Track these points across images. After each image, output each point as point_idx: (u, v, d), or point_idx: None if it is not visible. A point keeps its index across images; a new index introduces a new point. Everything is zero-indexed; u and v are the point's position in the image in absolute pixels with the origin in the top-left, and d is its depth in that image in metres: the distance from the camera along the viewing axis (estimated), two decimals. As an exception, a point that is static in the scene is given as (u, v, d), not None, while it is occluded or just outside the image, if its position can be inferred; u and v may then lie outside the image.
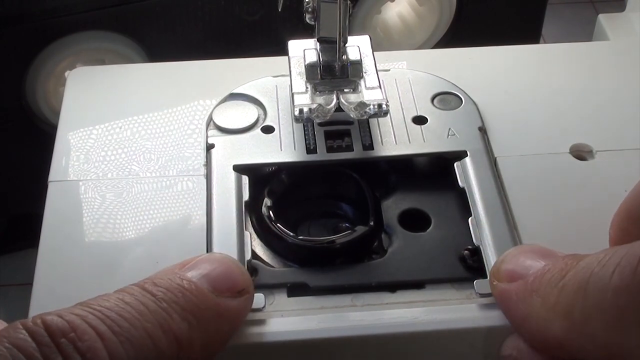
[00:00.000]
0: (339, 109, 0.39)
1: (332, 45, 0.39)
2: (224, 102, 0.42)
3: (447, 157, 0.39)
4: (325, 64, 0.40)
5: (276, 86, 0.43)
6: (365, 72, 0.40)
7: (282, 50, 0.42)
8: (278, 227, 0.37)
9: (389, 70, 0.44)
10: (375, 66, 0.40)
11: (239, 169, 0.38)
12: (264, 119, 0.41)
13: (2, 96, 0.56)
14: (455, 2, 0.63)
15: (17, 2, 0.53)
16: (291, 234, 0.36)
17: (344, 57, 0.39)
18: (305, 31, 0.42)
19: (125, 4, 0.55)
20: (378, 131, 0.40)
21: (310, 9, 0.39)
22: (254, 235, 0.37)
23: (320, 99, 0.39)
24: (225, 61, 0.46)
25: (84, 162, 0.39)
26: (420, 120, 0.41)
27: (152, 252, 0.35)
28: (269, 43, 0.59)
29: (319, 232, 0.38)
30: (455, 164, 0.39)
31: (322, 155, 0.39)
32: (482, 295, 0.33)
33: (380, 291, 0.34)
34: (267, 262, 0.36)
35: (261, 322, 0.33)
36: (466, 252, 0.35)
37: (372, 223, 0.37)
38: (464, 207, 0.37)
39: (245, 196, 0.37)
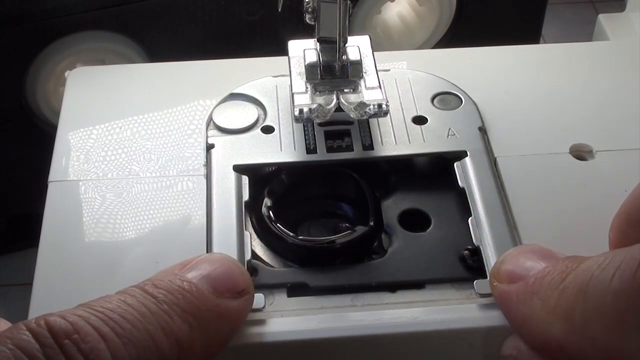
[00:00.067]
0: (339, 109, 0.39)
1: (332, 45, 0.39)
2: (224, 102, 0.42)
3: (447, 157, 0.39)
4: (325, 64, 0.40)
5: (276, 86, 0.43)
6: (365, 72, 0.40)
7: (282, 50, 0.42)
8: (278, 227, 0.37)
9: (389, 70, 0.44)
10: (375, 66, 0.40)
11: (239, 169, 0.38)
12: (264, 119, 0.41)
13: (2, 96, 0.56)
14: (455, 2, 0.63)
15: (17, 2, 0.53)
16: (291, 234, 0.36)
17: (344, 57, 0.39)
18: (305, 31, 0.42)
19: (125, 4, 0.55)
20: (378, 131, 0.40)
21: (310, 9, 0.39)
22: (254, 235, 0.37)
23: (320, 99, 0.39)
24: (225, 61, 0.46)
25: (84, 162, 0.39)
26: (420, 120, 0.41)
27: (152, 252, 0.35)
28: (269, 43, 0.59)
29: (319, 232, 0.38)
30: (455, 164, 0.39)
31: (322, 155, 0.39)
32: (482, 296, 0.33)
33: (380, 291, 0.34)
34: (267, 262, 0.36)
35: (261, 322, 0.33)
36: (466, 252, 0.35)
37: (372, 223, 0.37)
38: (464, 207, 0.37)
39: (245, 196, 0.37)
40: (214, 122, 0.41)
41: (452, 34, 0.64)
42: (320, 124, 0.40)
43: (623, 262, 0.27)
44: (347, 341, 0.32)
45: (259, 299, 0.33)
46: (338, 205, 0.40)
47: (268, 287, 0.34)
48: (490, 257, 0.34)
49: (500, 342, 0.32)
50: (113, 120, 0.41)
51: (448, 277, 0.35)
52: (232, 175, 0.38)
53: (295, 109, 0.38)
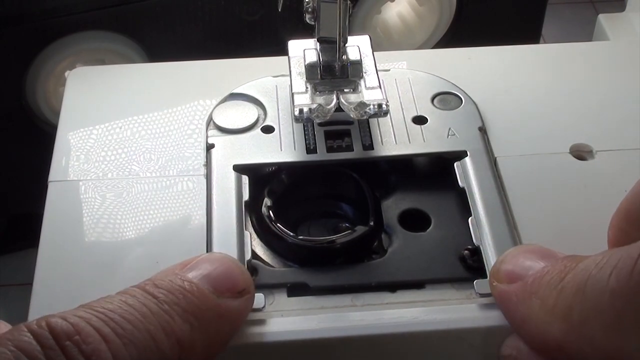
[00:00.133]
0: (339, 109, 0.39)
1: (332, 45, 0.39)
2: (224, 102, 0.42)
3: (447, 157, 0.39)
4: (325, 64, 0.40)
5: (276, 86, 0.43)
6: (365, 72, 0.40)
7: (282, 50, 0.42)
8: (278, 227, 0.37)
9: (389, 70, 0.44)
10: (375, 66, 0.40)
11: (239, 169, 0.38)
12: (264, 119, 0.41)
13: (2, 96, 0.56)
14: (455, 2, 0.63)
15: (17, 2, 0.53)
16: (291, 234, 0.36)
17: (344, 57, 0.39)
18: (305, 31, 0.42)
19: (125, 4, 0.55)
20: (378, 131, 0.40)
21: (310, 9, 0.39)
22: (254, 235, 0.37)
23: (320, 99, 0.39)
24: (225, 61, 0.46)
25: (84, 162, 0.39)
26: (420, 120, 0.41)
27: (152, 252, 0.35)
28: (269, 43, 0.59)
29: (319, 232, 0.38)
30: (455, 164, 0.39)
31: (322, 155, 0.39)
32: (482, 295, 0.33)
33: (380, 291, 0.34)
34: (267, 262, 0.36)
35: (261, 322, 0.33)
36: (466, 252, 0.35)
37: (372, 223, 0.37)
38: (464, 207, 0.37)
39: (245, 196, 0.37)
40: (214, 122, 0.41)
41: (452, 34, 0.64)
42: (320, 124, 0.40)
43: (620, 261, 0.27)
44: (347, 341, 0.32)
45: (259, 298, 0.33)
46: (338, 205, 0.40)
47: (268, 287, 0.34)
48: (490, 257, 0.34)
49: (500, 342, 0.32)
50: (113, 120, 0.41)
51: (448, 277, 0.35)
52: (232, 175, 0.38)
53: (295, 109, 0.38)
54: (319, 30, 0.39)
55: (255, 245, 0.37)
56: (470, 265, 0.35)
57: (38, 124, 0.58)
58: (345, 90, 0.39)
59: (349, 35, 0.39)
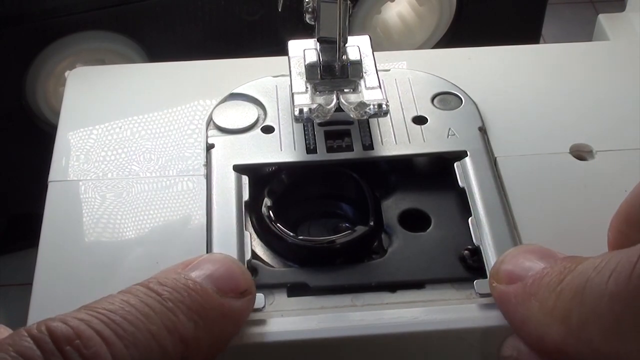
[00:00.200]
0: (339, 109, 0.39)
1: (332, 45, 0.39)
2: (224, 102, 0.42)
3: (447, 157, 0.39)
4: (325, 64, 0.40)
5: (276, 86, 0.43)
6: (365, 72, 0.40)
7: (282, 50, 0.42)
8: (278, 227, 0.37)
9: (389, 70, 0.44)
10: (375, 66, 0.40)
11: (239, 169, 0.38)
12: (264, 119, 0.41)
13: (2, 96, 0.56)
14: (455, 2, 0.63)
15: (17, 2, 0.53)
16: (291, 234, 0.36)
17: (344, 57, 0.39)
18: (305, 31, 0.42)
19: (125, 4, 0.55)
20: (378, 131, 0.40)
21: (310, 9, 0.39)
22: (254, 235, 0.37)
23: (320, 99, 0.39)
24: (225, 61, 0.46)
25: (84, 162, 0.39)
26: (420, 120, 0.41)
27: (152, 252, 0.35)
28: (269, 43, 0.59)
29: (319, 232, 0.38)
30: (455, 164, 0.39)
31: (322, 155, 0.39)
32: (482, 295, 0.33)
33: (380, 291, 0.34)
34: (267, 262, 0.36)
35: (261, 322, 0.33)
36: (466, 252, 0.35)
37: (372, 223, 0.37)
38: (464, 207, 0.37)
39: (245, 196, 0.37)
40: (214, 122, 0.41)
41: (452, 34, 0.64)
42: (320, 124, 0.40)
43: (619, 264, 0.27)
44: (347, 341, 0.32)
45: (259, 298, 0.33)
46: (338, 205, 0.40)
47: (268, 287, 0.34)
48: (490, 257, 0.34)
49: (500, 342, 0.32)
50: (113, 120, 0.41)
51: (448, 277, 0.35)
52: (232, 175, 0.38)
53: (295, 109, 0.38)
54: (319, 30, 0.39)
55: (255, 245, 0.37)
56: (470, 265, 0.35)
57: (38, 124, 0.58)
58: (345, 90, 0.39)
59: (349, 35, 0.39)
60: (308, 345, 0.32)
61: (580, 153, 0.40)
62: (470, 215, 0.36)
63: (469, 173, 0.38)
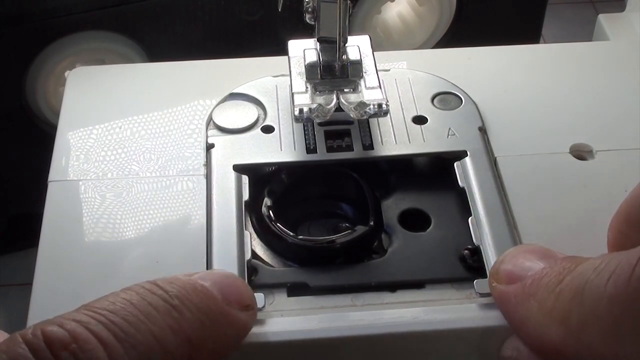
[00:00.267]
0: (339, 108, 0.39)
1: (332, 45, 0.39)
2: (224, 102, 0.42)
3: (447, 157, 0.39)
4: (325, 64, 0.40)
5: (276, 86, 0.43)
6: (365, 72, 0.40)
7: (282, 50, 0.42)
8: (278, 227, 0.37)
9: (389, 70, 0.44)
10: (375, 66, 0.40)
11: (239, 169, 0.38)
12: (264, 119, 0.41)
13: (2, 96, 0.56)
14: (455, 2, 0.63)
15: (17, 2, 0.53)
16: (291, 233, 0.36)
17: (344, 57, 0.39)
18: (305, 31, 0.42)
19: (125, 4, 0.55)
20: (378, 131, 0.40)
21: (310, 9, 0.39)
22: (254, 235, 0.37)
23: (320, 99, 0.39)
24: (225, 61, 0.46)
25: (84, 162, 0.39)
26: (420, 120, 0.41)
27: (152, 252, 0.35)
28: (269, 43, 0.59)
29: (319, 232, 0.38)
30: (455, 164, 0.39)
31: (322, 155, 0.39)
32: (482, 295, 0.33)
33: (380, 291, 0.34)
34: (267, 262, 0.36)
35: (261, 322, 0.33)
36: (466, 252, 0.35)
37: (372, 223, 0.37)
38: (464, 207, 0.37)
39: (245, 196, 0.37)
40: (214, 122, 0.41)
41: (452, 34, 0.64)
42: (320, 124, 0.40)
43: (618, 266, 0.27)
44: (347, 341, 0.32)
45: (259, 298, 0.33)
46: (338, 205, 0.40)
47: (268, 287, 0.34)
48: (490, 257, 0.34)
49: (500, 342, 0.32)
50: (113, 120, 0.41)
51: (448, 277, 0.35)
52: (232, 175, 0.38)
53: (295, 109, 0.38)
54: (319, 30, 0.39)
55: (255, 245, 0.37)
56: (470, 265, 0.35)
57: (38, 124, 0.58)
58: (345, 90, 0.39)
59: (349, 35, 0.39)
60: (308, 345, 0.32)
61: (580, 153, 0.40)
62: (470, 215, 0.36)
63: (469, 173, 0.38)
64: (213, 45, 0.58)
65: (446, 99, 0.42)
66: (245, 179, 0.38)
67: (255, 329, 0.32)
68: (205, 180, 0.38)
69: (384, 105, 0.38)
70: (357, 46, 0.40)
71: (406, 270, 0.35)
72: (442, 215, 0.38)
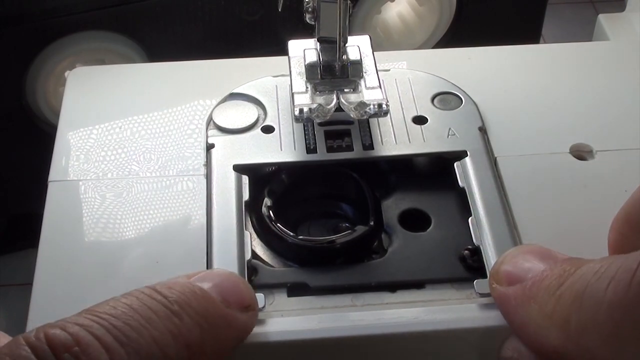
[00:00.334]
0: (339, 108, 0.39)
1: (332, 45, 0.39)
2: (224, 102, 0.42)
3: (447, 157, 0.39)
4: (325, 64, 0.40)
5: (276, 86, 0.43)
6: (365, 72, 0.40)
7: (282, 50, 0.42)
8: (278, 227, 0.37)
9: (389, 70, 0.44)
10: (375, 66, 0.40)
11: (239, 169, 0.38)
12: (264, 119, 0.41)
13: (2, 96, 0.56)
14: (455, 2, 0.63)
15: (17, 2, 0.53)
16: (291, 233, 0.36)
17: (344, 57, 0.39)
18: (305, 31, 0.42)
19: (125, 4, 0.55)
20: (378, 131, 0.40)
21: (310, 9, 0.39)
22: (254, 235, 0.37)
23: (320, 99, 0.39)
24: (225, 61, 0.46)
25: (84, 162, 0.39)
26: (420, 120, 0.41)
27: (152, 252, 0.35)
28: (269, 43, 0.59)
29: (319, 232, 0.38)
30: (455, 164, 0.39)
31: (322, 155, 0.39)
32: (482, 295, 0.33)
33: (380, 291, 0.34)
34: (267, 262, 0.36)
35: (261, 322, 0.33)
36: (466, 252, 0.35)
37: (372, 223, 0.37)
38: (464, 207, 0.37)
39: (245, 196, 0.37)
40: (214, 122, 0.41)
41: (452, 34, 0.64)
42: (320, 124, 0.40)
43: (618, 271, 0.27)
44: (347, 341, 0.32)
45: (259, 298, 0.33)
46: (338, 205, 0.40)
47: (268, 287, 0.34)
48: (490, 257, 0.34)
49: (500, 342, 0.32)
50: (113, 120, 0.41)
51: (448, 277, 0.35)
52: (232, 175, 0.38)
53: (295, 109, 0.38)
54: (319, 30, 0.39)
55: (255, 245, 0.37)
56: (470, 265, 0.35)
57: (38, 124, 0.58)
58: (345, 90, 0.39)
59: (349, 35, 0.39)
60: (308, 345, 0.32)
61: (580, 153, 0.40)
62: (470, 215, 0.36)
63: (469, 173, 0.38)
64: (213, 45, 0.59)
65: (446, 99, 0.42)
66: (245, 179, 0.38)
67: (256, 329, 0.32)
68: (205, 180, 0.38)
69: (384, 105, 0.38)
70: (357, 46, 0.40)
71: (406, 270, 0.35)
72: (442, 215, 0.38)
